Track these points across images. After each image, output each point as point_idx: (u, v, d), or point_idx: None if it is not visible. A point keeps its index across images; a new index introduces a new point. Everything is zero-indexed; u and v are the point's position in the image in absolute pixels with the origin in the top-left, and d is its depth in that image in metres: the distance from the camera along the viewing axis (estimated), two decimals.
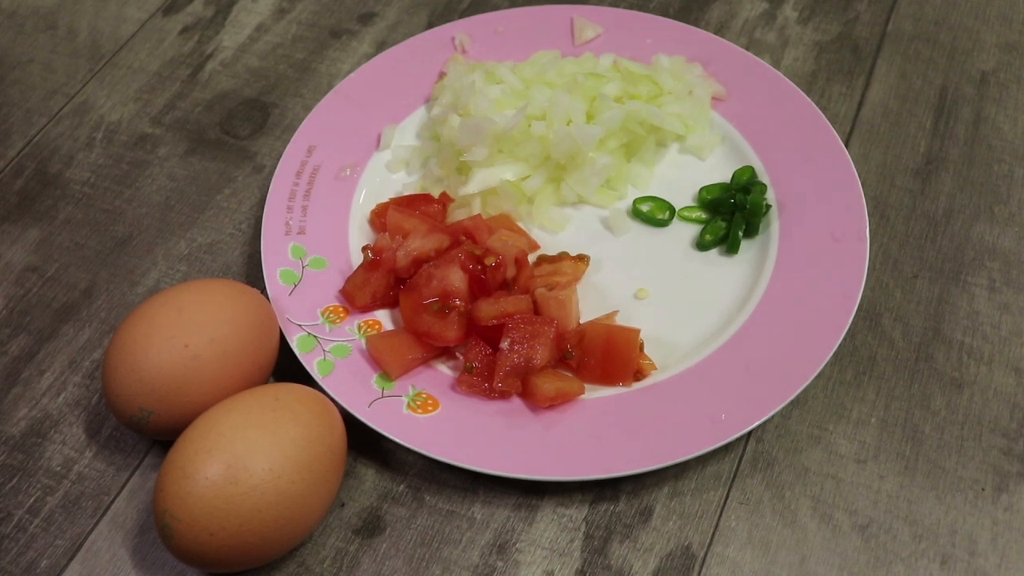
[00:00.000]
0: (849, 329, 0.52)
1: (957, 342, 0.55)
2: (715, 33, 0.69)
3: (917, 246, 0.59)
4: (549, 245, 0.59)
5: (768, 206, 0.58)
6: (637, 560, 0.49)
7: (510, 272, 0.55)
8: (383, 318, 0.55)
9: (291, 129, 0.67)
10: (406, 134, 0.64)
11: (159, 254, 0.61)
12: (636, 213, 0.60)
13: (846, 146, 0.62)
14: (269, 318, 0.52)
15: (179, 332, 0.49)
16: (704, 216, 0.60)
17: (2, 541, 0.51)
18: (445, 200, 0.59)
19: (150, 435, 0.50)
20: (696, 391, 0.51)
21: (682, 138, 0.63)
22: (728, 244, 0.58)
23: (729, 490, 0.51)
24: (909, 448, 0.51)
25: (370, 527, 0.50)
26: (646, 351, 0.53)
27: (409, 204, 0.59)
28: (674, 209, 0.60)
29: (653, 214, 0.60)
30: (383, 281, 0.55)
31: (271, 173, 0.63)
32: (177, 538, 0.45)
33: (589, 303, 0.56)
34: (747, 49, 0.68)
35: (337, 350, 0.53)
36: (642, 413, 0.51)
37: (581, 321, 0.55)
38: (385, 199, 0.60)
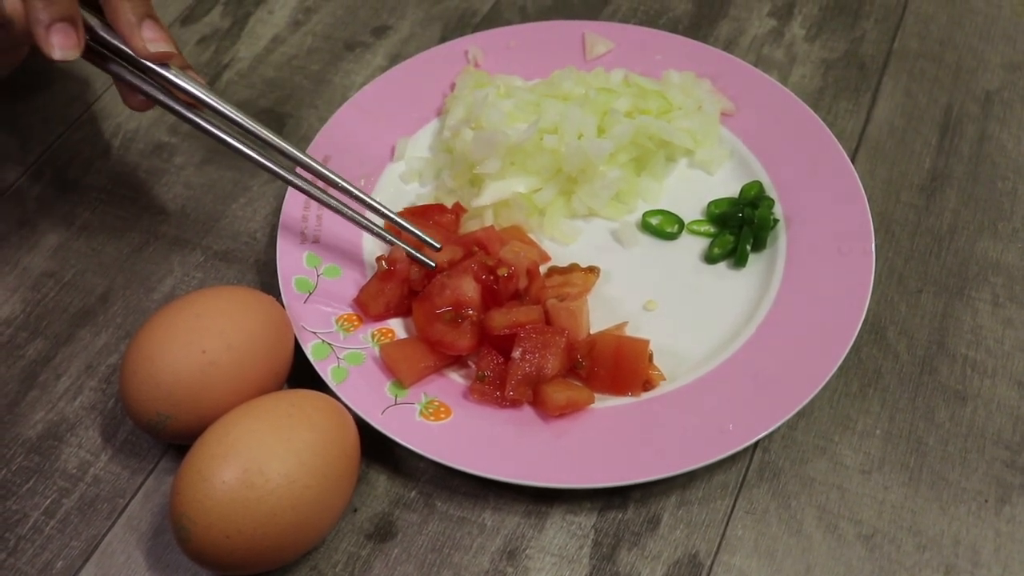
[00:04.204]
0: (855, 342, 0.53)
1: (961, 356, 0.56)
2: (724, 50, 0.70)
3: (922, 261, 0.60)
4: (560, 257, 0.60)
5: (776, 220, 0.59)
6: (645, 567, 0.49)
7: (522, 283, 0.55)
8: (396, 327, 0.56)
9: (306, 139, 0.68)
10: (419, 146, 0.65)
11: (175, 261, 0.62)
12: (646, 226, 0.61)
13: (852, 162, 0.62)
14: (284, 325, 0.53)
15: (197, 338, 0.50)
16: (712, 230, 0.61)
17: (18, 542, 0.51)
18: (458, 210, 0.60)
19: (166, 439, 0.51)
20: (704, 401, 0.52)
21: (691, 153, 0.64)
22: (736, 257, 0.59)
23: (736, 499, 0.51)
24: (913, 460, 0.52)
25: (382, 532, 0.51)
26: (655, 362, 0.54)
27: (423, 214, 0.60)
28: (683, 222, 0.61)
29: (662, 227, 0.61)
30: (397, 290, 0.56)
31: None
32: (193, 541, 0.45)
33: (599, 314, 0.57)
34: (755, 66, 0.69)
35: (351, 358, 0.54)
36: (651, 423, 0.52)
37: (591, 332, 0.55)
38: (399, 209, 0.61)
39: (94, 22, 0.52)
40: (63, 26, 0.49)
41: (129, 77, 0.54)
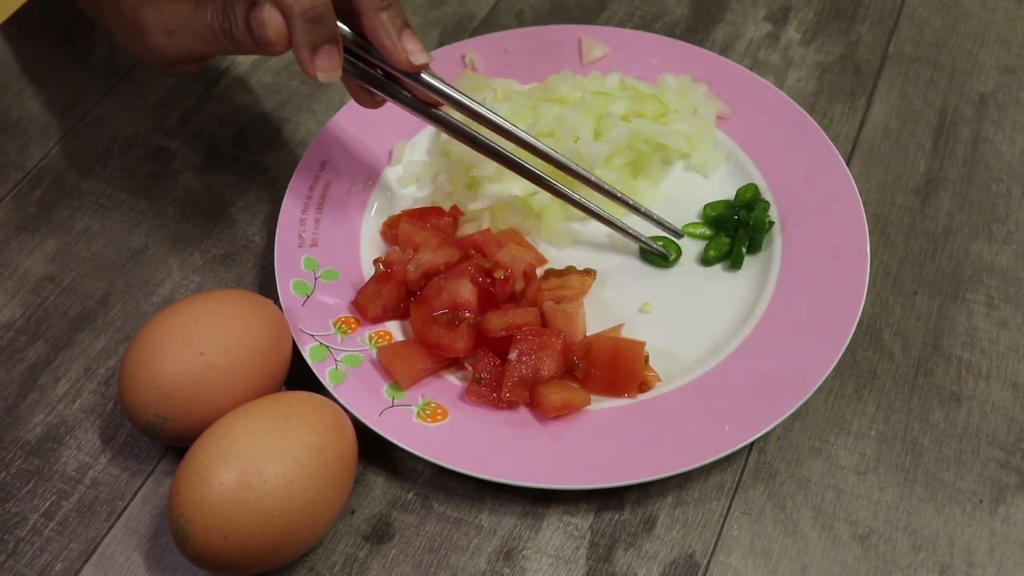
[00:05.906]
0: (850, 343, 0.53)
1: (956, 357, 0.56)
2: (720, 54, 0.70)
3: (917, 263, 0.60)
4: (557, 259, 0.60)
5: (771, 223, 0.60)
6: (641, 568, 0.49)
7: (518, 285, 0.56)
8: (394, 329, 0.57)
9: (304, 144, 0.68)
10: (417, 149, 0.65)
11: (174, 265, 0.62)
12: None
13: (847, 165, 0.63)
14: (282, 328, 0.53)
15: (195, 340, 0.50)
16: (708, 232, 0.61)
17: (17, 544, 0.52)
18: (456, 213, 0.61)
19: (165, 441, 0.51)
20: (700, 403, 0.52)
21: (687, 156, 0.64)
22: (732, 260, 0.59)
23: (732, 500, 0.51)
24: (908, 460, 0.52)
25: (379, 534, 0.51)
26: (651, 363, 0.54)
27: (421, 216, 0.60)
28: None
29: None
30: (394, 293, 0.56)
31: (284, 187, 0.64)
32: (191, 541, 0.45)
33: (595, 316, 0.57)
34: (751, 69, 0.69)
35: (348, 360, 0.54)
36: (647, 424, 0.52)
37: (588, 334, 0.56)
38: (396, 213, 0.62)
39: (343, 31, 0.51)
40: (328, 48, 0.49)
41: (362, 79, 0.54)
